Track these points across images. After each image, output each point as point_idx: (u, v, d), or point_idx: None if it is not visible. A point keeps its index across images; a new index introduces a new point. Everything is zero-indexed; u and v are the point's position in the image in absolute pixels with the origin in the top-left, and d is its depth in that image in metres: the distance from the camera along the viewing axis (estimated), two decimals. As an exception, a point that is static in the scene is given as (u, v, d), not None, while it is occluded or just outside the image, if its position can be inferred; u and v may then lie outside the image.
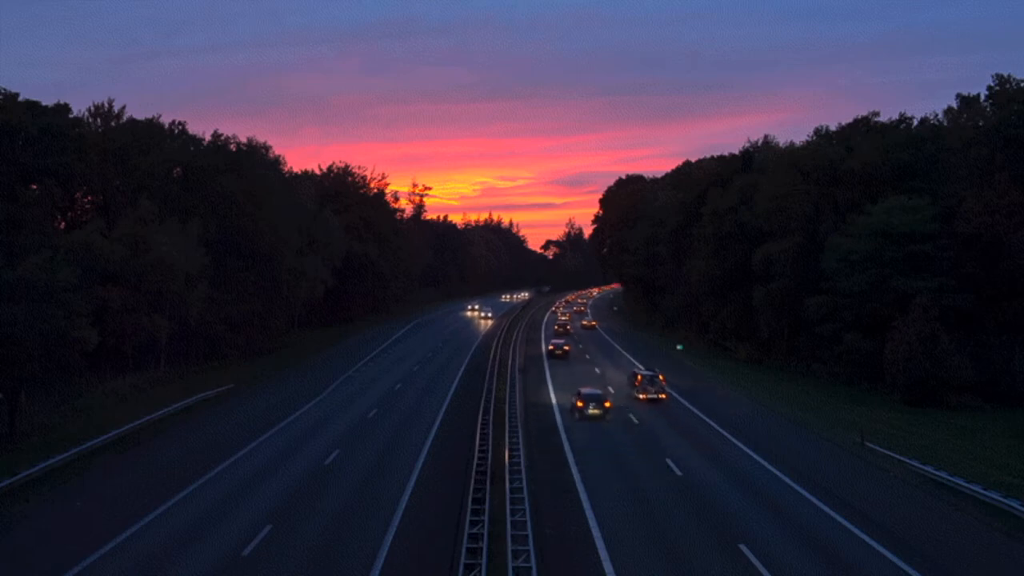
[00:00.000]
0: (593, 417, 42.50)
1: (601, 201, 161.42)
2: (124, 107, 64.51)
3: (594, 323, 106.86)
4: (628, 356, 72.23)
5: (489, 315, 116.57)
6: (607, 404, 43.84)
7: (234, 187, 65.70)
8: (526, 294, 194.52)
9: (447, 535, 24.11)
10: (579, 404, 43.38)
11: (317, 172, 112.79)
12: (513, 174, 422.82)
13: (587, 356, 72.47)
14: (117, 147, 61.04)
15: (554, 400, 48.92)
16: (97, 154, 59.39)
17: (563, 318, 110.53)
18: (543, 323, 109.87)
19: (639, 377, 50.57)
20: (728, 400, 50.80)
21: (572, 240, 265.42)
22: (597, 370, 62.80)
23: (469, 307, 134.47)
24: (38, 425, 38.79)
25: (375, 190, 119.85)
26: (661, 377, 50.90)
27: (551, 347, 73.11)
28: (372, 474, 31.56)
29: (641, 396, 48.45)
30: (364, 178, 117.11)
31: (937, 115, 67.80)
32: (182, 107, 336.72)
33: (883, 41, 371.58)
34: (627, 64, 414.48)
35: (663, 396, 48.69)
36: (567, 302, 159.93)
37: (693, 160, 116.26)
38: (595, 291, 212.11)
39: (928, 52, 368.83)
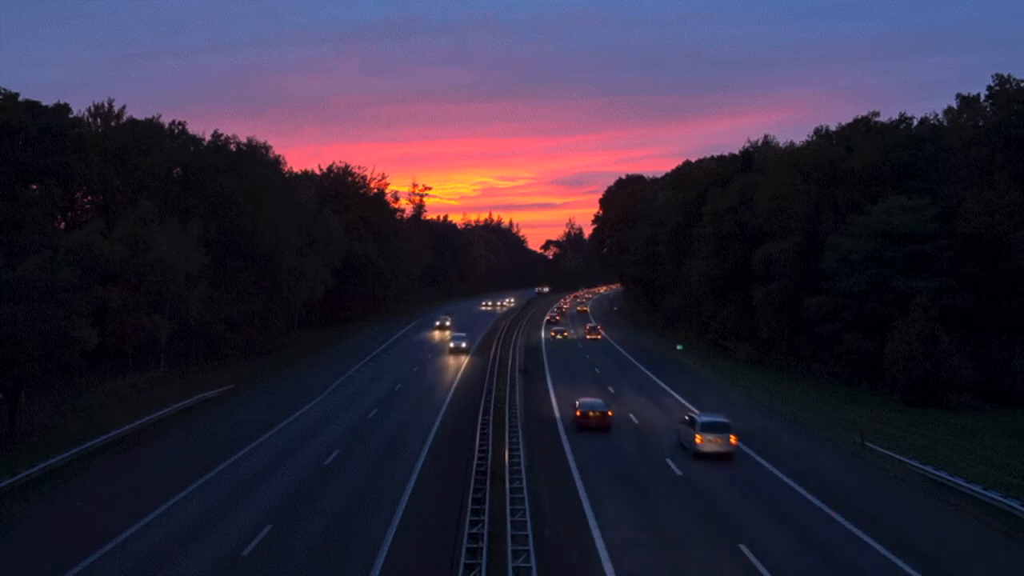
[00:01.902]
0: (559, 340, 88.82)
1: (601, 201, 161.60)
2: (124, 107, 64.74)
3: (587, 309, 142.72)
4: (592, 322, 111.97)
5: (464, 344, 75.70)
6: (566, 334, 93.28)
7: (234, 187, 65.73)
8: (512, 300, 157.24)
9: (447, 535, 24.11)
10: (552, 333, 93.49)
11: (317, 172, 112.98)
12: (513, 174, 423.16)
13: (571, 326, 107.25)
14: (117, 147, 61.07)
15: (543, 336, 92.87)
16: (97, 154, 59.42)
17: (564, 306, 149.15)
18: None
19: (588, 328, 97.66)
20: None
21: (572, 240, 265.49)
22: (572, 328, 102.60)
23: (438, 323, 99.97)
24: (38, 425, 38.80)
25: (375, 190, 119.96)
26: (599, 327, 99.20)
27: (548, 317, 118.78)
28: (372, 474, 31.56)
29: (588, 337, 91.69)
30: (364, 178, 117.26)
31: (937, 115, 67.98)
32: (182, 107, 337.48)
33: (883, 41, 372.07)
34: (627, 64, 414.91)
35: (599, 336, 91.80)
36: (574, 298, 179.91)
37: (693, 160, 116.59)
38: (602, 288, 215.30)
39: (928, 52, 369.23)
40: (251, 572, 21.45)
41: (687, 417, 36.18)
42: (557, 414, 44.18)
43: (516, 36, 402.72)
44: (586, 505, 27.25)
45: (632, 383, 56.87)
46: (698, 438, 33.26)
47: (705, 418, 34.77)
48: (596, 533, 24.33)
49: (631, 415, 44.00)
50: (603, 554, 22.58)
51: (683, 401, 48.40)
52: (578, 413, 40.11)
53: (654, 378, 59.32)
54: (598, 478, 30.72)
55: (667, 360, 71.36)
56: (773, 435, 39.91)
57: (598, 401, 41.72)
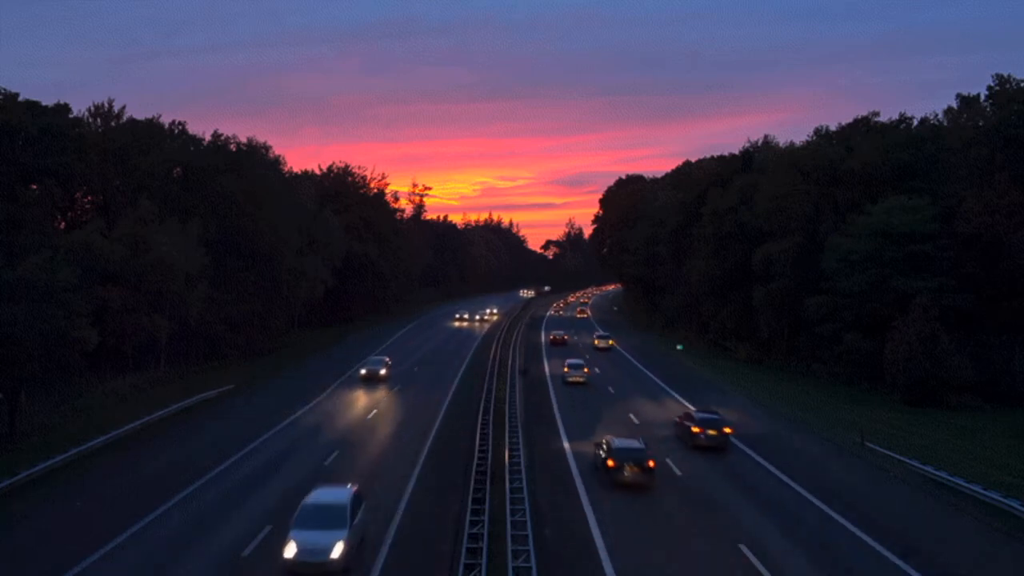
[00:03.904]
0: (556, 316, 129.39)
1: (601, 201, 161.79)
2: (124, 107, 64.69)
3: (587, 301, 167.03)
4: (582, 307, 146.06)
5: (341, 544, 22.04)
6: (562, 314, 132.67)
7: (234, 187, 65.69)
8: (495, 309, 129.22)
9: (447, 535, 24.11)
10: (553, 312, 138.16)
11: (317, 172, 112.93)
12: (513, 174, 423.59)
13: (567, 312, 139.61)
14: (117, 147, 61.05)
15: (547, 314, 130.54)
16: (97, 154, 59.39)
17: (570, 300, 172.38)
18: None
19: (579, 310, 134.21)
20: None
21: (572, 240, 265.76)
22: (567, 312, 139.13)
23: (364, 371, 56.37)
24: (38, 425, 38.79)
25: (375, 190, 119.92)
26: (588, 308, 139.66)
27: (552, 307, 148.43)
28: (372, 474, 31.53)
29: (578, 316, 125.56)
30: (364, 178, 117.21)
31: (937, 115, 68.13)
32: (182, 107, 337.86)
33: (883, 41, 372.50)
34: (627, 64, 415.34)
35: (586, 315, 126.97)
36: (582, 293, 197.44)
37: (693, 160, 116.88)
38: (609, 287, 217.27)
39: (928, 52, 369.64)
40: (251, 572, 21.45)
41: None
42: (543, 340, 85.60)
43: (516, 36, 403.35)
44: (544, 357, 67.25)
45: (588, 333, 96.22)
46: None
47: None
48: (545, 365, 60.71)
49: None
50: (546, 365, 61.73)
51: (600, 330, 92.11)
52: (552, 337, 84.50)
53: (600, 330, 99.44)
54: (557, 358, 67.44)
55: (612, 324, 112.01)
56: (773, 434, 39.92)
57: (561, 332, 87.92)
